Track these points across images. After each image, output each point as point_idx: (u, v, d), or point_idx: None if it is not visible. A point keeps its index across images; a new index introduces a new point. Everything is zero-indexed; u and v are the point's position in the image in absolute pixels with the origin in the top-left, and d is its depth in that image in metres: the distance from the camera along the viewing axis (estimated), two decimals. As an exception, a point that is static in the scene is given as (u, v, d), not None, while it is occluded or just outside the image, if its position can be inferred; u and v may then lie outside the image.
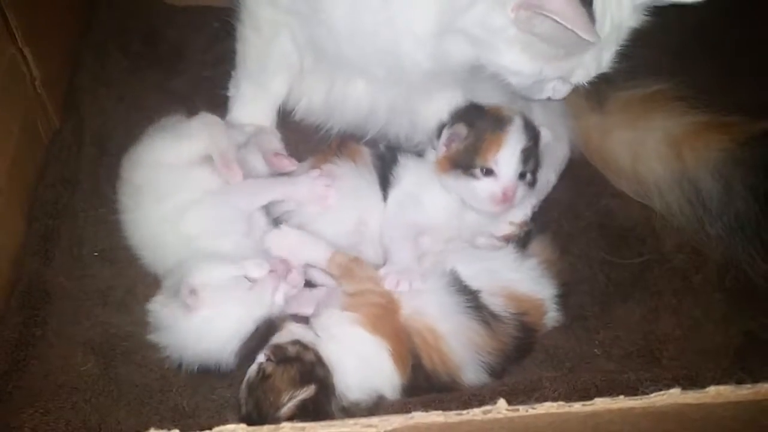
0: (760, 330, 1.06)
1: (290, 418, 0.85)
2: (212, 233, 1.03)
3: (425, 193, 1.05)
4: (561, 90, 1.02)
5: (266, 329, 0.95)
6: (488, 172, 0.98)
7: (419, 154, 1.12)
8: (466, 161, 0.99)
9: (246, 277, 0.97)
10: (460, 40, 0.97)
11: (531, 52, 0.93)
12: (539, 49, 0.93)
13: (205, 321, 0.94)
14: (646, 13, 0.98)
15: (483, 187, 0.99)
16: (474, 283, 0.98)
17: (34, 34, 1.21)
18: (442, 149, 1.02)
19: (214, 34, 1.48)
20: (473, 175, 0.99)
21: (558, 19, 0.84)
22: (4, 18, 1.15)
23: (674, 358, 1.05)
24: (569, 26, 0.84)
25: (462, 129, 1.00)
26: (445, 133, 1.02)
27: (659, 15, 0.99)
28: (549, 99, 1.04)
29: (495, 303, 0.97)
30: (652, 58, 1.23)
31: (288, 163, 1.17)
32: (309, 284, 1.09)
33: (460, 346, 0.95)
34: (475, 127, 1.00)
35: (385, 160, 1.09)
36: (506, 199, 0.98)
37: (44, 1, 1.31)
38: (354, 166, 1.10)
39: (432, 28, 0.98)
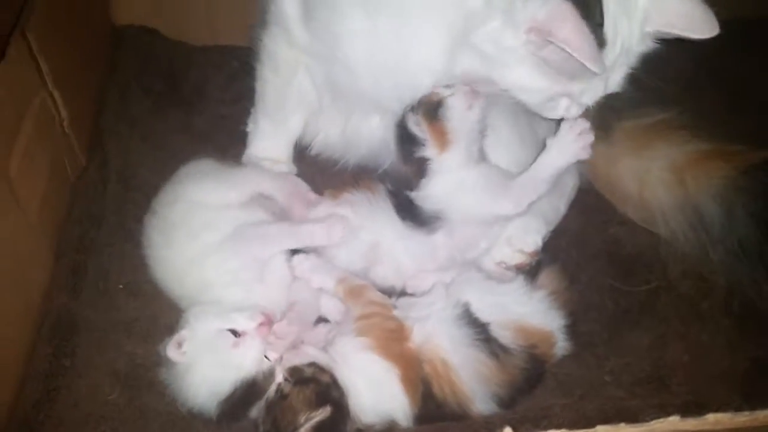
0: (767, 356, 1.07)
1: (307, 439, 0.87)
2: (226, 282, 1.05)
3: (462, 185, 1.06)
4: (572, 110, 1.03)
5: (247, 390, 0.94)
6: None
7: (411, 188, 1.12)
8: (435, 104, 1.05)
9: (233, 331, 0.97)
10: (472, 55, 0.98)
11: (540, 70, 0.95)
12: (548, 69, 0.95)
13: (186, 375, 0.96)
14: (656, 41, 0.99)
15: (457, 97, 1.04)
16: (484, 316, 1.00)
17: (63, 78, 1.25)
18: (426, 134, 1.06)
19: (233, 73, 1.53)
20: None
21: (566, 49, 0.86)
22: (36, 64, 1.20)
23: (683, 384, 1.05)
24: (576, 56, 0.86)
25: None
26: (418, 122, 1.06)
27: (665, 45, 1.00)
28: (563, 119, 1.05)
29: (504, 336, 0.99)
30: (657, 88, 1.25)
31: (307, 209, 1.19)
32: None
33: (470, 378, 0.97)
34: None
35: (398, 197, 1.12)
36: (473, 90, 1.04)
37: (72, 46, 1.35)
38: (371, 194, 1.15)
39: (444, 44, 0.99)
